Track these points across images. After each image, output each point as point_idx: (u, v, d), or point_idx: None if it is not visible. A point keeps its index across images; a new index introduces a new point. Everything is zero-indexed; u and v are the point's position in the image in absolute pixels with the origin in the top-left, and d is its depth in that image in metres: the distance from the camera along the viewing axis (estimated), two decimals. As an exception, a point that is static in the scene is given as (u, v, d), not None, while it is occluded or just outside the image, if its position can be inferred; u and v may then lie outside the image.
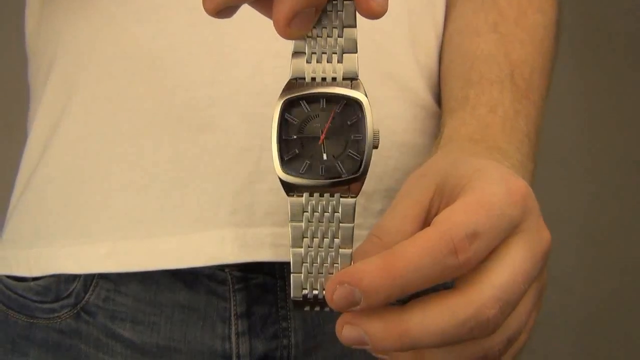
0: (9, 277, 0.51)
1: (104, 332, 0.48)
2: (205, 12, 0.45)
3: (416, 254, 0.32)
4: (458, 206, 0.33)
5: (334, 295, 0.32)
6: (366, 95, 0.32)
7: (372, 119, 0.32)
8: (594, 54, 1.59)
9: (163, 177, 0.47)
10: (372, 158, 0.48)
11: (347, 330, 0.33)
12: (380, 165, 0.49)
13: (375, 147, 0.32)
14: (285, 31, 0.30)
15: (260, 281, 0.48)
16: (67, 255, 0.48)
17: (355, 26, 0.32)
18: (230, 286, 0.47)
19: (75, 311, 0.48)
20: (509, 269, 0.33)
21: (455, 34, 0.53)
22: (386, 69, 0.50)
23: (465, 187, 0.35)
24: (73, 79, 0.50)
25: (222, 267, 0.47)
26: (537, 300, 0.36)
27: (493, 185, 0.34)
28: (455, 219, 0.32)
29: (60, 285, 0.49)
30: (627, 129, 1.62)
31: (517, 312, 0.35)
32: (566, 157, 1.62)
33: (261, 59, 0.46)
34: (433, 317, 0.32)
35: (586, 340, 1.61)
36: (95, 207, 0.48)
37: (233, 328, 0.47)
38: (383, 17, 0.50)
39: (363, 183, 0.32)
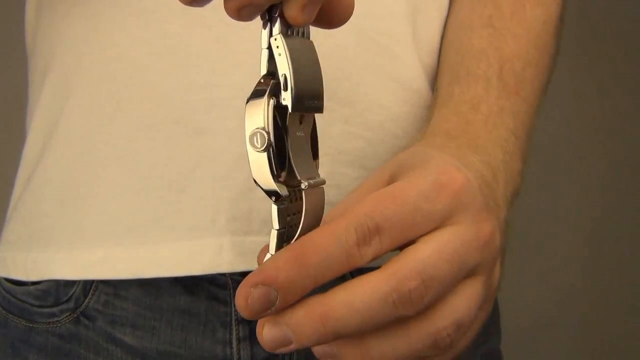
0: (8, 280, 0.51)
1: (104, 337, 0.47)
2: (203, 15, 0.44)
3: (324, 241, 0.31)
4: (371, 196, 0.33)
5: (249, 300, 0.31)
6: (257, 97, 0.31)
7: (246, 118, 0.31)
8: (595, 53, 1.59)
9: (159, 181, 0.46)
10: (373, 161, 0.47)
11: (267, 330, 0.32)
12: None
13: (257, 148, 0.30)
14: (236, 19, 0.31)
15: (261, 285, 0.47)
16: (61, 260, 0.47)
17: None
18: (231, 291, 0.47)
19: (75, 316, 0.48)
20: (431, 247, 0.32)
21: (451, 30, 0.53)
22: (389, 70, 0.49)
23: (401, 178, 0.34)
24: (69, 81, 0.49)
25: (222, 272, 0.47)
26: (486, 295, 0.35)
27: (421, 177, 0.34)
28: (359, 210, 0.32)
29: (59, 290, 0.48)
30: (630, 128, 1.61)
31: (460, 296, 0.33)
32: (567, 157, 1.62)
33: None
34: (355, 294, 0.31)
35: (586, 340, 1.61)
36: (90, 212, 0.47)
37: (234, 333, 0.47)
38: (386, 17, 0.49)
39: (261, 189, 0.31)
